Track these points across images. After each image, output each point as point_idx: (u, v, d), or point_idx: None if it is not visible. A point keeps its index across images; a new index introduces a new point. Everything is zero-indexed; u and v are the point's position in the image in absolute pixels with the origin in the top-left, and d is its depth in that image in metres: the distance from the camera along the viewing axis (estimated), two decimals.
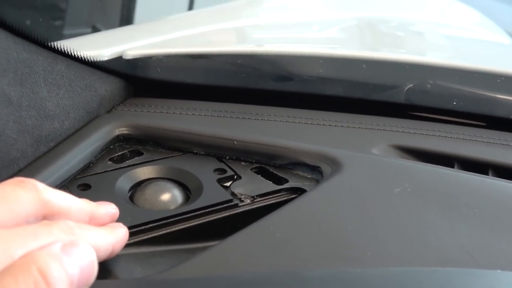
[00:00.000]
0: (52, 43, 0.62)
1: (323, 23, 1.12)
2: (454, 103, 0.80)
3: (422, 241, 0.51)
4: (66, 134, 0.62)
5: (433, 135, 0.73)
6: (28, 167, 0.56)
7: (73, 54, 0.64)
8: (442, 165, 0.64)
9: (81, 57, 0.65)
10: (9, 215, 0.40)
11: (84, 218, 0.47)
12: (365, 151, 0.66)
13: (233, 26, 1.02)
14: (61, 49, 0.63)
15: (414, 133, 0.73)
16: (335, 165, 0.61)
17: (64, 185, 0.57)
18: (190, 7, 2.19)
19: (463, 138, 0.73)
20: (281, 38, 1.04)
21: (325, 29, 1.11)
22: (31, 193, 0.42)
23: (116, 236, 0.47)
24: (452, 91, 0.84)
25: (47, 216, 0.43)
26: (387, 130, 0.73)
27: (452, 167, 0.67)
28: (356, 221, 0.53)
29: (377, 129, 0.73)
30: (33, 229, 0.40)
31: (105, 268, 0.47)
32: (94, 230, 0.45)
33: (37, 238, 0.39)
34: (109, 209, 0.49)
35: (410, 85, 0.81)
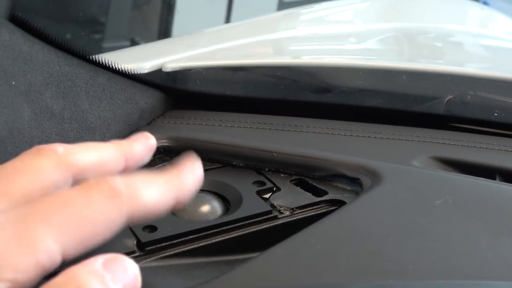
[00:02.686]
0: (93, 57, 0.63)
1: (361, 35, 1.12)
2: (496, 114, 0.79)
3: (464, 254, 0.51)
4: None
5: (474, 146, 0.72)
6: None
7: (114, 67, 0.65)
8: (483, 177, 0.64)
9: (122, 70, 0.66)
10: (33, 185, 0.37)
11: (119, 164, 0.42)
12: (405, 163, 0.65)
13: (271, 38, 1.03)
14: (102, 62, 0.63)
15: (455, 144, 0.72)
16: (375, 177, 0.60)
17: None
18: (227, 20, 2.20)
19: (505, 150, 0.72)
20: (320, 50, 1.04)
21: (363, 41, 1.10)
22: (52, 158, 0.38)
23: (182, 182, 0.40)
24: (493, 102, 0.83)
25: (77, 176, 0.39)
26: (427, 142, 0.72)
27: (494, 179, 0.66)
28: (397, 233, 0.52)
29: (417, 140, 0.72)
30: (63, 197, 0.35)
31: (145, 280, 0.46)
32: (149, 182, 0.39)
33: (67, 208, 0.35)
34: (145, 141, 0.45)
35: (450, 96, 0.80)
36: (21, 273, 0.33)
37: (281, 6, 2.33)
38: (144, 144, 0.45)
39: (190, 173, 0.42)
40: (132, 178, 0.38)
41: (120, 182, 0.37)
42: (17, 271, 0.33)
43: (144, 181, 0.39)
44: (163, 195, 0.39)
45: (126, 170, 0.43)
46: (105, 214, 0.36)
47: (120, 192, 0.36)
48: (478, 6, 1.61)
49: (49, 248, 0.34)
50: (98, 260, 0.35)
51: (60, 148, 0.39)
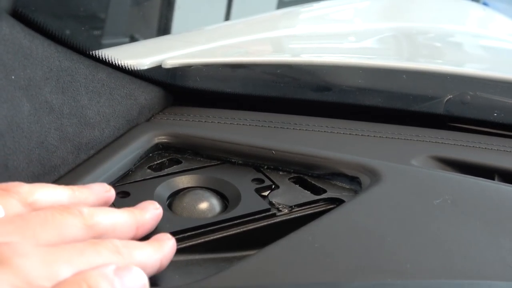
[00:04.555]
0: (93, 52, 0.62)
1: (361, 34, 1.12)
2: (495, 114, 0.79)
3: (462, 254, 0.51)
4: (106, 142, 0.62)
5: (473, 146, 0.72)
6: (69, 174, 0.57)
7: (114, 62, 0.65)
8: (482, 177, 0.64)
9: (121, 65, 0.66)
10: (58, 237, 0.42)
11: (131, 231, 0.48)
12: (404, 162, 0.65)
13: (270, 36, 1.03)
14: (102, 58, 0.63)
15: (454, 144, 0.72)
16: (374, 176, 0.60)
17: None
18: (227, 18, 2.20)
19: (504, 150, 0.72)
20: (320, 48, 1.04)
21: (363, 40, 1.10)
22: (78, 218, 0.44)
23: (163, 251, 0.47)
24: (492, 102, 0.83)
25: (94, 238, 0.44)
26: (427, 141, 0.72)
27: (493, 179, 0.66)
28: (395, 232, 0.52)
29: (417, 140, 0.72)
30: (80, 247, 0.41)
31: None
32: (141, 247, 0.45)
33: (84, 255, 0.40)
34: (153, 211, 0.51)
35: (449, 96, 0.80)
36: None
37: (281, 4, 2.32)
38: (152, 214, 0.51)
39: (169, 243, 0.48)
40: (128, 242, 0.45)
41: (120, 243, 0.44)
42: None
43: (137, 245, 0.45)
44: (152, 258, 0.46)
45: (135, 237, 0.49)
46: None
47: (121, 250, 0.43)
48: (478, 7, 1.61)
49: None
50: (110, 267, 0.39)
51: (85, 210, 0.45)
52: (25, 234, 0.40)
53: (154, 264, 0.46)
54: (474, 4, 1.66)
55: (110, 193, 0.52)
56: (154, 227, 0.51)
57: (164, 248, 0.47)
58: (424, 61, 1.07)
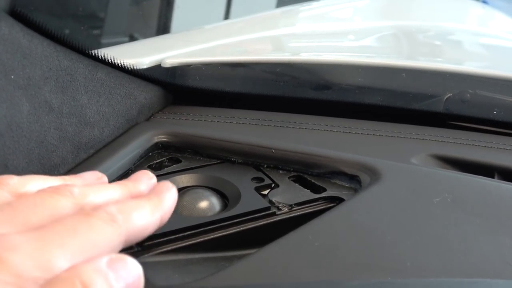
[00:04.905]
0: (92, 51, 0.62)
1: (361, 32, 1.12)
2: (495, 112, 0.79)
3: (462, 252, 0.51)
4: (105, 141, 0.62)
5: (473, 144, 0.72)
6: (68, 174, 0.57)
7: (113, 62, 0.65)
8: (482, 175, 0.64)
9: (121, 65, 0.66)
10: (49, 220, 0.40)
11: None
12: (404, 160, 0.65)
13: (270, 35, 1.03)
14: (101, 57, 0.63)
15: (454, 142, 0.72)
16: (374, 174, 0.60)
17: None
18: (226, 16, 2.20)
19: (504, 148, 0.72)
20: (319, 47, 1.04)
21: (363, 38, 1.10)
22: (69, 199, 0.42)
23: (163, 207, 0.45)
24: (492, 100, 0.83)
25: None
26: (426, 140, 0.72)
27: (492, 177, 0.66)
28: (395, 231, 0.52)
29: (416, 138, 0.72)
30: (72, 225, 0.39)
31: (143, 275, 0.47)
32: (138, 208, 0.43)
33: (77, 234, 0.38)
34: (148, 182, 0.49)
35: (449, 95, 0.80)
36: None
37: (280, 3, 2.32)
38: (147, 184, 0.48)
39: (170, 196, 0.47)
40: (124, 205, 0.42)
41: (114, 209, 0.41)
42: (36, 284, 0.35)
43: (134, 207, 0.43)
44: (151, 218, 0.44)
45: None
46: (106, 236, 0.40)
47: (116, 218, 0.41)
48: (477, 5, 1.61)
49: (62, 266, 0.36)
50: (103, 259, 0.37)
51: (75, 189, 0.43)
52: (15, 221, 0.39)
53: (154, 223, 0.44)
54: (474, 2, 1.66)
55: (102, 180, 0.50)
56: None
57: (164, 203, 0.46)
58: (424, 59, 1.07)
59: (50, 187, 0.43)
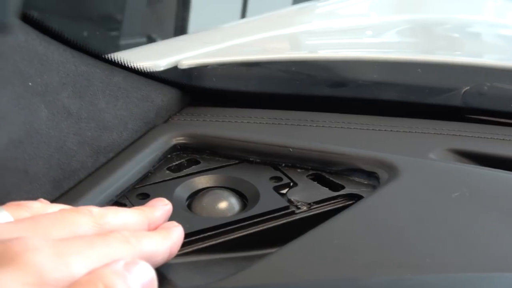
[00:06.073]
0: (108, 56, 0.63)
1: (376, 27, 1.12)
2: None
3: (482, 247, 0.50)
4: (124, 145, 0.63)
5: (491, 138, 0.72)
6: (88, 178, 0.57)
7: (129, 65, 0.65)
8: (501, 169, 0.63)
9: (137, 68, 0.66)
10: (68, 235, 0.42)
11: (143, 229, 0.48)
12: (422, 156, 0.65)
13: (286, 33, 1.03)
14: (117, 61, 0.64)
15: (472, 136, 0.72)
16: (392, 170, 0.60)
17: (123, 195, 0.57)
18: (243, 15, 2.20)
19: None
20: (335, 44, 1.04)
21: (379, 34, 1.10)
22: (88, 217, 0.44)
23: (172, 239, 0.48)
24: (510, 92, 0.83)
25: None
26: (444, 134, 0.72)
27: None
28: (414, 227, 0.52)
29: (434, 133, 0.72)
30: (89, 239, 0.41)
31: (164, 277, 0.47)
32: (149, 236, 0.46)
33: (93, 246, 0.40)
34: (163, 208, 0.51)
35: (467, 88, 0.80)
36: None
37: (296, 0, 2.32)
38: (162, 210, 0.51)
39: (177, 230, 0.49)
40: (136, 233, 0.45)
41: (127, 233, 0.44)
42: (57, 286, 0.37)
43: (145, 235, 0.46)
44: (161, 245, 0.46)
45: None
46: (120, 254, 0.42)
47: (129, 239, 0.43)
48: None
49: (81, 271, 0.38)
50: (120, 262, 0.39)
51: (95, 209, 0.45)
52: (35, 231, 0.41)
53: (164, 251, 0.46)
54: None
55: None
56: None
57: (172, 235, 0.48)
58: (441, 52, 1.06)
59: (72, 207, 0.46)
